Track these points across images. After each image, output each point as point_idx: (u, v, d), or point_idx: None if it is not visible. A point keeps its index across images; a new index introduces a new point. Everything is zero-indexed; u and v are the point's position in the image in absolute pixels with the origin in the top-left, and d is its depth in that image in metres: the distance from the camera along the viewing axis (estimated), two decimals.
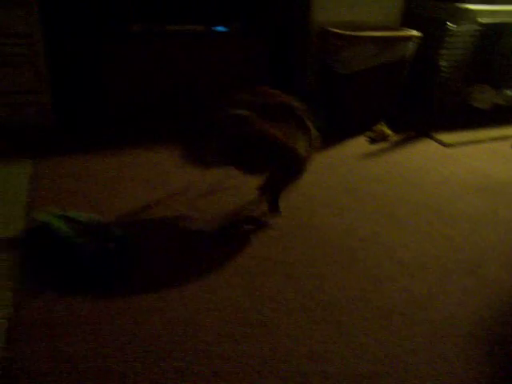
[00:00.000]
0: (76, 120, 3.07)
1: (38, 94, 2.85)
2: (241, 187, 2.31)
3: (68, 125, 2.99)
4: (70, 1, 2.97)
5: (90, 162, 2.53)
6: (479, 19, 3.18)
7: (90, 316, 1.52)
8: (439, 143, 3.03)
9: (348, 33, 2.97)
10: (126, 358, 1.38)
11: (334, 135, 3.05)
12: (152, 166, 2.51)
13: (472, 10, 3.14)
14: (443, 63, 3.27)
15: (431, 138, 3.11)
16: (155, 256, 1.83)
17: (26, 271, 1.71)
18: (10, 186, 2.26)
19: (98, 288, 1.65)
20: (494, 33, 3.59)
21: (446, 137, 3.10)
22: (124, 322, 1.50)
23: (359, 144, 2.97)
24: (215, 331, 1.49)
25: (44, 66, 2.81)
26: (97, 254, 1.73)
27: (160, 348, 1.42)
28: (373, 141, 3.01)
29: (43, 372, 1.32)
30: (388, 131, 3.02)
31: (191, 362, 1.38)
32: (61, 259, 1.77)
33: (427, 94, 3.43)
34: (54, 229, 1.86)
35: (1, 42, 2.70)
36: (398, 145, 2.99)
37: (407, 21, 3.45)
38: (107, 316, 1.52)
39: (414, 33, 3.06)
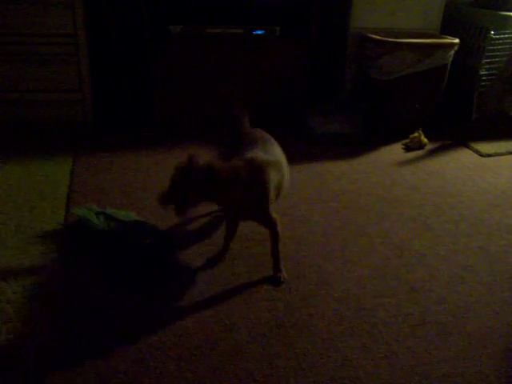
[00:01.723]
0: (116, 119, 3.13)
1: (80, 93, 2.93)
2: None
3: (108, 123, 3.06)
4: (114, 2, 3.03)
5: (129, 161, 2.58)
6: None
7: (128, 312, 1.56)
8: (476, 153, 2.99)
9: (388, 39, 2.96)
10: (159, 351, 1.40)
11: (370, 142, 3.04)
12: None
13: None
14: (483, 72, 3.22)
15: (468, 147, 3.06)
16: (191, 253, 1.86)
17: (64, 264, 1.76)
18: (51, 182, 2.32)
19: (134, 283, 1.68)
20: None
21: (484, 146, 3.05)
22: (158, 317, 1.53)
23: (395, 151, 2.95)
24: (248, 332, 1.50)
25: (87, 65, 2.88)
26: (133, 250, 1.76)
27: (192, 346, 1.44)
28: (409, 148, 2.98)
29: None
30: (425, 139, 2.99)
31: (224, 361, 1.39)
32: (98, 254, 1.81)
33: (465, 102, 3.38)
34: (92, 225, 1.91)
35: (46, 42, 2.79)
36: (433, 153, 2.96)
37: (446, 28, 3.41)
38: (146, 312, 1.56)
39: (455, 40, 3.03)
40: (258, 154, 1.67)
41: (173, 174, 1.51)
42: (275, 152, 1.78)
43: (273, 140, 1.86)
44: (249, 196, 1.59)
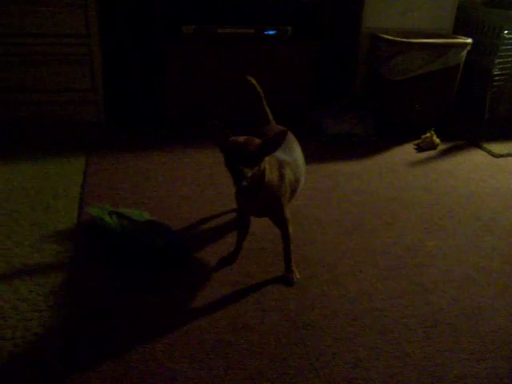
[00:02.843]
0: (129, 118, 3.14)
1: (93, 92, 2.95)
2: None
3: (121, 122, 3.07)
4: (126, 2, 3.04)
5: (141, 160, 2.60)
6: None
7: (141, 311, 1.57)
8: (489, 153, 2.97)
9: (400, 39, 2.95)
10: (173, 350, 1.41)
11: (381, 142, 3.03)
12: (200, 168, 2.56)
13: None
14: (496, 72, 3.20)
15: (480, 147, 3.05)
16: (203, 253, 1.87)
17: (78, 264, 1.78)
18: (65, 181, 2.34)
19: (147, 283, 1.69)
20: None
21: (496, 147, 3.04)
22: (171, 317, 1.54)
23: (407, 151, 2.94)
24: (260, 332, 1.51)
25: (100, 65, 2.90)
26: (146, 250, 1.77)
27: (205, 346, 1.44)
28: (420, 149, 2.97)
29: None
30: (437, 140, 2.98)
31: (237, 361, 1.40)
32: (111, 254, 1.83)
33: (478, 102, 3.37)
34: (105, 224, 1.92)
35: (60, 42, 2.81)
36: (446, 154, 2.95)
37: (459, 27, 3.39)
38: (160, 311, 1.57)
39: (468, 40, 3.02)
40: (277, 153, 1.69)
41: (227, 149, 1.51)
42: (295, 153, 1.80)
43: (295, 141, 1.88)
44: (267, 189, 1.60)
